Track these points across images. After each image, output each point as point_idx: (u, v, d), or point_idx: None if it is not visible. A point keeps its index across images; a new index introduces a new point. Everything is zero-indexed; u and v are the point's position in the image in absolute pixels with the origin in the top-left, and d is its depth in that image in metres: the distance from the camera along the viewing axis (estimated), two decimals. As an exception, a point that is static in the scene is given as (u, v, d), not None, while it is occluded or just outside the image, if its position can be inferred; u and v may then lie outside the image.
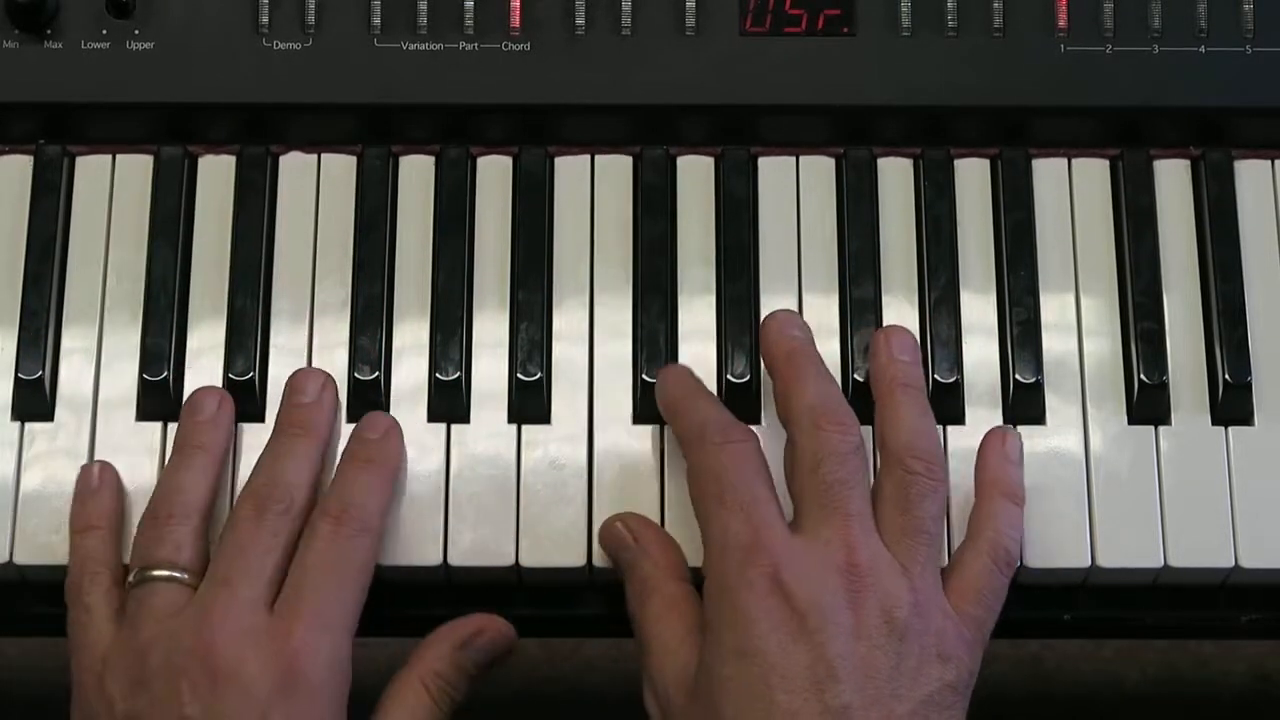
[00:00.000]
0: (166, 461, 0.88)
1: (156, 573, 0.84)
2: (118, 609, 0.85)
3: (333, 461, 0.88)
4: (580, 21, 0.93)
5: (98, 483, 0.88)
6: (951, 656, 0.82)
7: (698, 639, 0.83)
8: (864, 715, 0.79)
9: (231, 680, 0.81)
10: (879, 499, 0.85)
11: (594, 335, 0.92)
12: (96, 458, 0.89)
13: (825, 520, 0.83)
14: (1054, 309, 0.92)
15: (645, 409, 0.90)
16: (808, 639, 0.80)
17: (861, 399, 0.89)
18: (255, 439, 0.89)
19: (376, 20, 0.93)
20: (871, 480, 0.86)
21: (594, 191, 0.94)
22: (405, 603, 0.89)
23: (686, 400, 0.88)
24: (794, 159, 0.94)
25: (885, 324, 0.91)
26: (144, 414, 0.90)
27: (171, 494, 0.86)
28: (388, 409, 0.90)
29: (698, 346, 0.91)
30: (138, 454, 0.89)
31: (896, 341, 0.88)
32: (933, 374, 0.90)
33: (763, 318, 0.90)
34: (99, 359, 0.91)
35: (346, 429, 0.90)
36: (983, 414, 0.90)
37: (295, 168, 0.94)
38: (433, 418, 0.90)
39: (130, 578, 0.84)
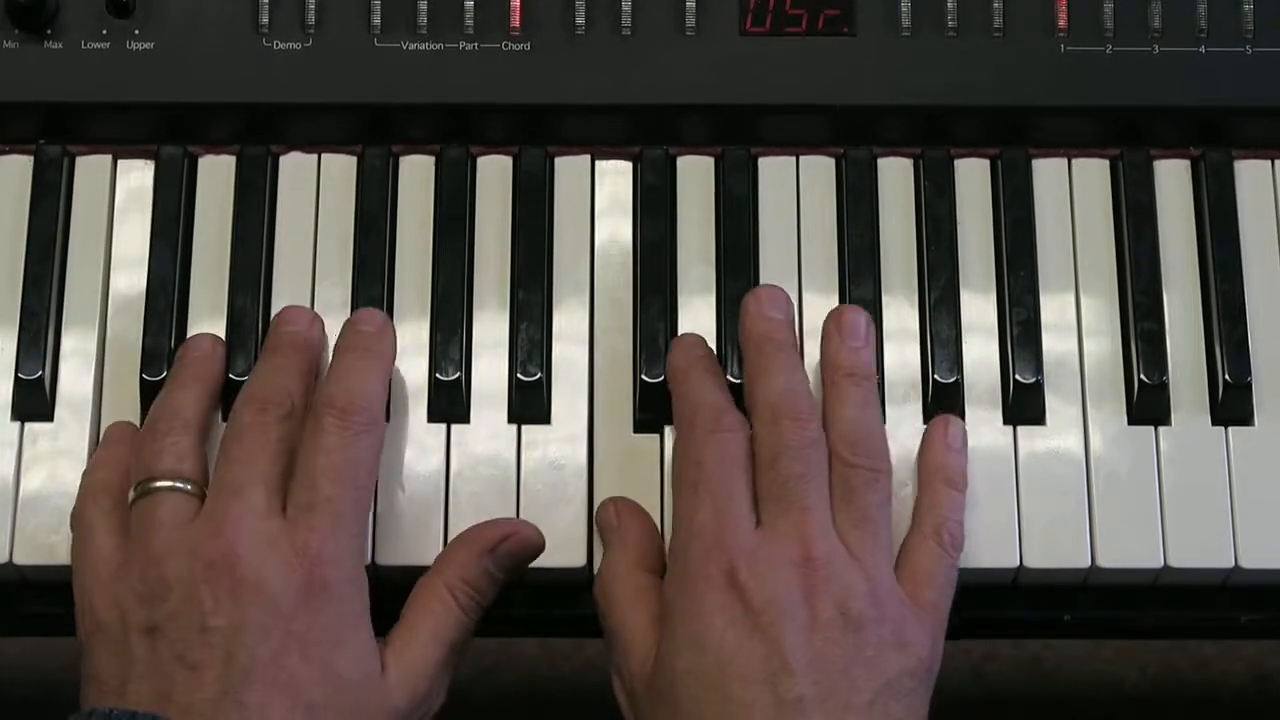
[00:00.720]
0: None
1: (160, 484, 0.83)
2: (120, 526, 0.84)
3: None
4: (580, 21, 0.93)
5: (117, 435, 0.88)
6: (910, 643, 0.82)
7: (659, 627, 0.83)
8: (820, 706, 0.80)
9: (255, 589, 0.80)
10: (831, 491, 0.85)
11: (594, 335, 0.92)
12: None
13: (782, 514, 0.83)
14: (1054, 309, 0.92)
15: (645, 409, 0.90)
16: (762, 633, 0.80)
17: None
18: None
19: (376, 20, 0.93)
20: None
21: (594, 191, 0.94)
22: (405, 602, 0.89)
23: (688, 376, 0.88)
24: (794, 159, 0.94)
25: (885, 324, 0.91)
26: (144, 414, 0.90)
27: (169, 411, 0.86)
28: (388, 409, 0.90)
29: (698, 346, 0.91)
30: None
31: (848, 325, 0.88)
32: (933, 374, 0.90)
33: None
34: (99, 359, 0.91)
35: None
36: (983, 414, 0.90)
37: (295, 168, 0.94)
38: (433, 418, 0.90)
39: (133, 492, 0.84)
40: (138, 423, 0.90)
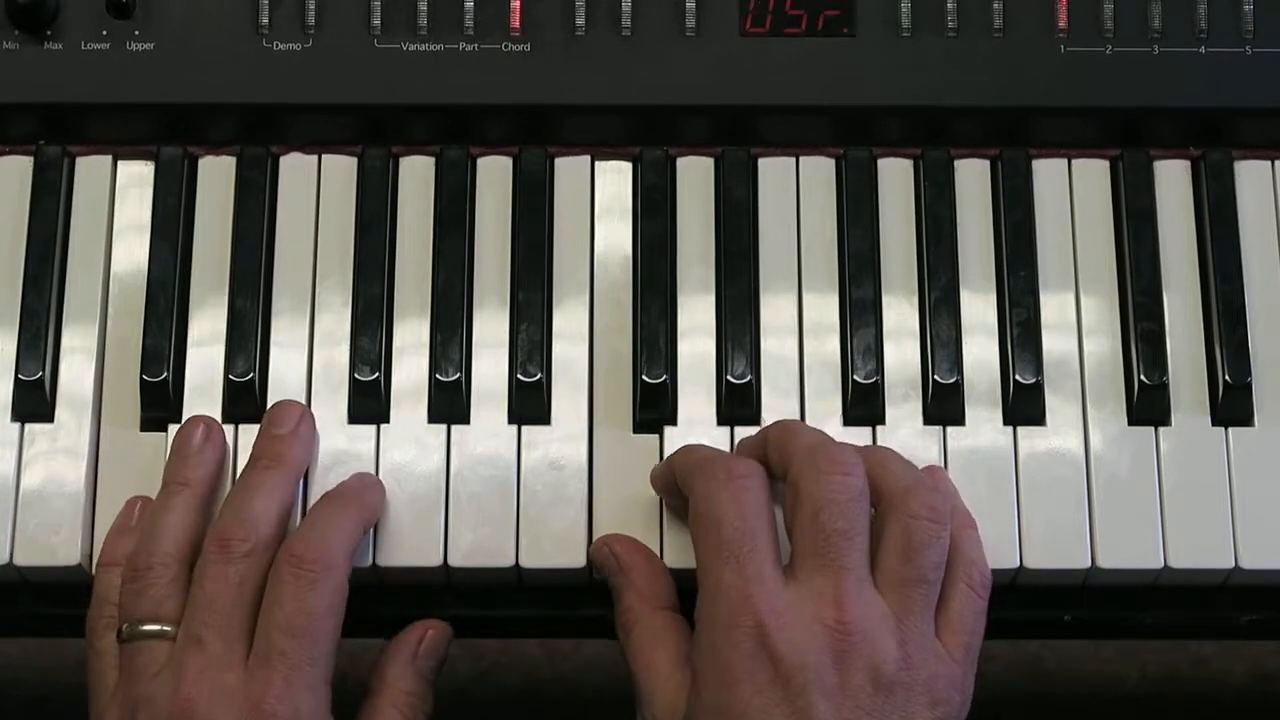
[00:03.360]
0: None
1: (142, 628, 0.84)
2: (118, 656, 0.85)
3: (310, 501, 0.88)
4: (580, 22, 0.93)
5: (135, 522, 0.88)
6: (941, 700, 0.82)
7: (685, 671, 0.83)
8: None
9: None
10: (881, 544, 0.83)
11: (594, 335, 0.92)
12: (99, 459, 0.89)
13: (819, 572, 0.82)
14: (1054, 309, 0.92)
15: (645, 409, 0.90)
16: (791, 701, 0.80)
17: (860, 400, 0.89)
18: (255, 439, 0.89)
19: (376, 20, 0.93)
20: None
21: (594, 191, 0.94)
22: (405, 603, 0.89)
23: (687, 450, 0.87)
24: (794, 159, 0.94)
25: (885, 324, 0.91)
26: (144, 414, 0.90)
27: (153, 541, 0.86)
28: (388, 409, 0.90)
29: (698, 346, 0.91)
30: (138, 455, 0.89)
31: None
32: (933, 374, 0.90)
33: (762, 323, 0.90)
34: (99, 359, 0.91)
35: (348, 429, 0.90)
36: (983, 414, 0.90)
37: (295, 168, 0.94)
38: (433, 418, 0.90)
39: (121, 631, 0.85)
40: (137, 423, 0.90)
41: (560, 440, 0.90)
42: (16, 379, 0.90)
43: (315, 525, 0.85)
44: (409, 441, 0.89)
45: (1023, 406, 0.90)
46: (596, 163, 0.94)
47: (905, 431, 0.90)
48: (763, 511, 0.83)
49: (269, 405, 0.90)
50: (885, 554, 0.83)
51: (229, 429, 0.90)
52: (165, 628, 0.84)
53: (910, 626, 0.82)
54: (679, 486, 0.86)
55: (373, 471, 0.89)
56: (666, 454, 0.89)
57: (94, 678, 0.86)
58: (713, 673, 0.81)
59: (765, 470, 0.85)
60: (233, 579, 0.84)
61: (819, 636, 0.80)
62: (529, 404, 0.90)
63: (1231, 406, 0.90)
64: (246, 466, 0.88)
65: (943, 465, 0.88)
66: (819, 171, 0.94)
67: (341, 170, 0.94)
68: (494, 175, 0.94)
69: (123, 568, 0.86)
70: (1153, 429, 0.90)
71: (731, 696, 0.80)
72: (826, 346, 0.91)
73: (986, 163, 0.94)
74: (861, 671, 0.80)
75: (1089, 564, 0.88)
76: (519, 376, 0.90)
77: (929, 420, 0.90)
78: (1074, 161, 0.94)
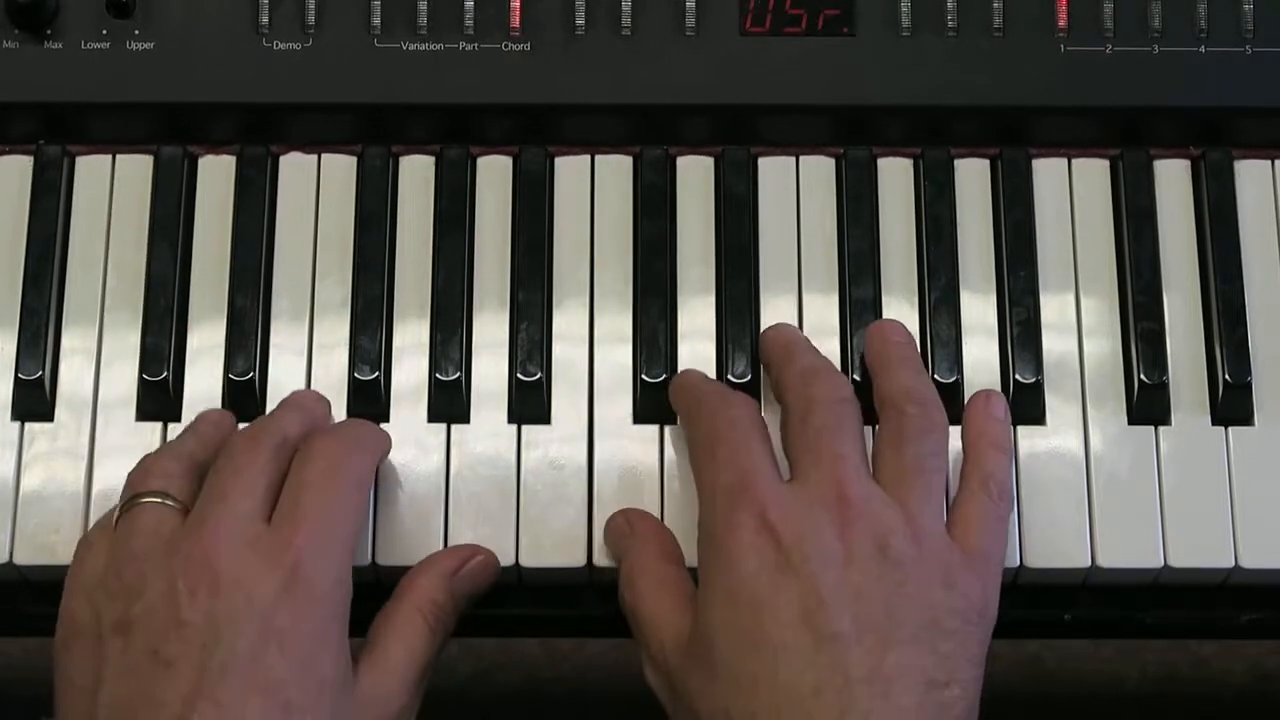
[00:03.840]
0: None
1: (145, 499, 0.82)
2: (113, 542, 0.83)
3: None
4: (580, 21, 0.93)
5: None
6: (956, 583, 0.80)
7: (691, 609, 0.82)
8: (858, 642, 0.78)
9: (234, 585, 0.78)
10: (877, 445, 0.84)
11: (594, 335, 0.92)
12: (97, 458, 0.89)
13: (814, 465, 0.82)
14: (1054, 309, 0.92)
15: (645, 409, 0.90)
16: (795, 572, 0.79)
17: (861, 399, 0.89)
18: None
19: (376, 20, 0.93)
20: (869, 439, 0.85)
21: (594, 191, 0.94)
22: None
23: (684, 380, 0.88)
24: (794, 159, 0.94)
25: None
26: (144, 414, 0.90)
27: (165, 447, 0.86)
28: (388, 409, 0.90)
29: (698, 346, 0.91)
30: (137, 454, 0.89)
31: (889, 327, 0.89)
32: (933, 374, 0.90)
33: (762, 324, 0.90)
34: (99, 359, 0.91)
35: (346, 429, 0.90)
36: (983, 414, 0.90)
37: (295, 168, 0.94)
38: (433, 418, 0.90)
39: (118, 511, 0.82)
40: (136, 422, 0.90)
41: (560, 440, 0.90)
42: (16, 379, 0.90)
43: (343, 423, 0.87)
44: (409, 441, 0.89)
45: (1023, 406, 0.90)
46: (597, 162, 0.94)
47: (905, 431, 0.90)
48: (755, 425, 0.84)
49: (268, 408, 0.89)
50: (880, 452, 0.84)
51: (229, 429, 0.90)
52: (171, 501, 0.82)
53: (915, 511, 0.81)
54: (680, 419, 0.88)
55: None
56: (667, 454, 0.89)
57: (75, 565, 0.82)
58: (716, 560, 0.81)
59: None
60: (261, 456, 0.82)
61: (820, 513, 0.80)
62: (529, 404, 0.90)
63: (1231, 406, 0.90)
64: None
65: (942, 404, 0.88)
66: (819, 171, 0.94)
67: (341, 170, 0.94)
68: (494, 175, 0.94)
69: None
70: (1153, 429, 0.90)
71: (738, 575, 0.80)
72: (827, 346, 0.91)
73: (986, 162, 0.95)
74: (866, 541, 0.80)
75: (1089, 564, 0.88)
76: (519, 376, 0.90)
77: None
78: (1074, 161, 0.94)
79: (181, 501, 0.82)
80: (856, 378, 0.90)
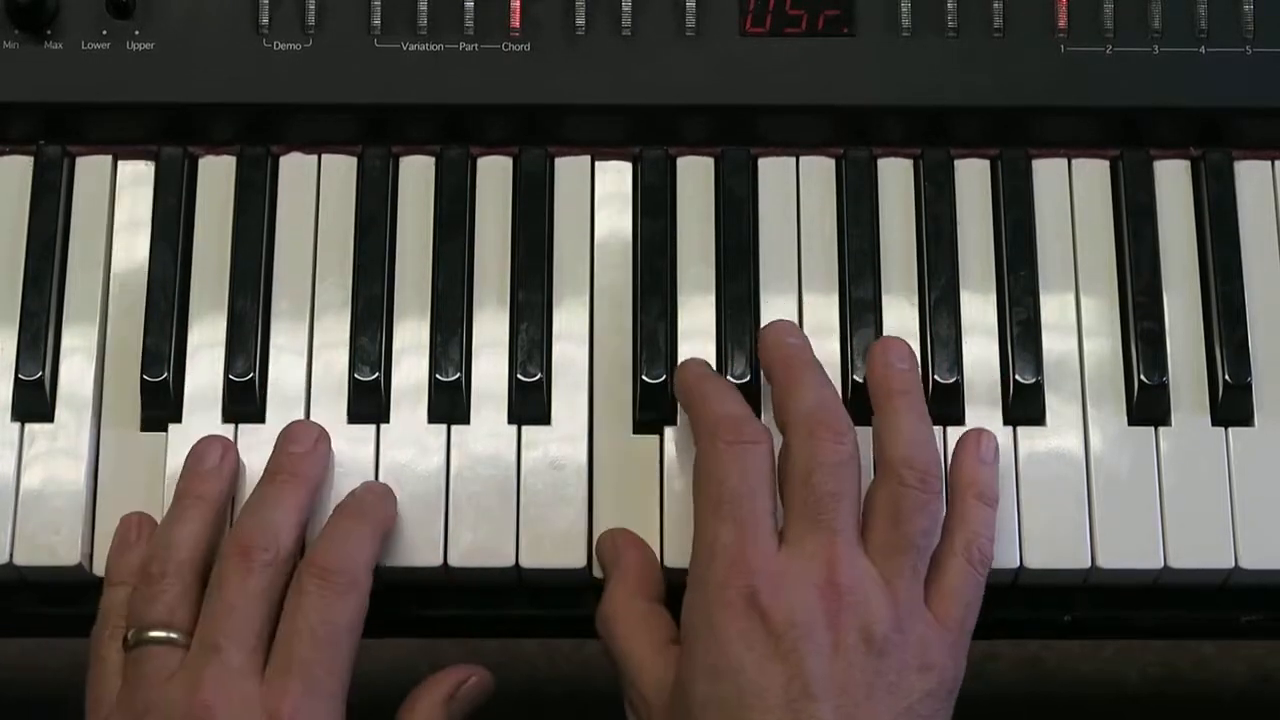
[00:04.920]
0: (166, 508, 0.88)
1: (151, 634, 0.83)
2: (123, 663, 0.84)
3: (323, 519, 0.87)
4: (580, 21, 0.93)
5: (135, 536, 0.87)
6: (934, 665, 0.82)
7: (670, 652, 0.83)
8: None
9: None
10: (871, 509, 0.84)
11: (594, 335, 0.92)
12: (99, 459, 0.89)
13: (811, 534, 0.83)
14: (1054, 309, 0.92)
15: (645, 409, 0.90)
16: (783, 658, 0.80)
17: (860, 400, 0.89)
18: (255, 439, 0.89)
19: (376, 20, 0.93)
20: (864, 489, 0.85)
21: (594, 191, 0.94)
22: (406, 603, 0.89)
23: (702, 390, 0.88)
24: (794, 159, 0.94)
25: (885, 324, 0.91)
26: (144, 413, 0.90)
27: (166, 549, 0.85)
28: (388, 409, 0.90)
29: (698, 346, 0.91)
30: (138, 455, 0.89)
31: (894, 350, 0.88)
32: (933, 374, 0.90)
33: (761, 324, 0.90)
34: (99, 359, 0.91)
35: (348, 430, 0.90)
36: (983, 414, 0.90)
37: (295, 168, 0.94)
38: (433, 418, 0.90)
39: (127, 637, 0.84)
40: (137, 423, 0.90)
41: (560, 440, 0.90)
42: (16, 379, 0.90)
43: (337, 538, 0.85)
44: (409, 441, 0.89)
45: (1023, 406, 0.90)
46: (596, 162, 0.94)
47: (905, 431, 0.90)
48: (765, 475, 0.84)
49: (268, 408, 0.89)
50: (874, 520, 0.84)
51: (229, 429, 0.90)
52: (175, 635, 0.83)
53: (899, 590, 0.82)
54: (680, 404, 0.88)
55: (373, 472, 0.89)
56: (667, 454, 0.89)
57: (94, 688, 0.85)
58: (705, 632, 0.81)
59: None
60: (252, 589, 0.83)
61: (811, 597, 0.81)
62: (529, 404, 0.90)
63: (1231, 406, 0.90)
64: (262, 480, 0.87)
65: (942, 464, 0.88)
66: (819, 171, 0.94)
67: (341, 170, 0.94)
68: (494, 175, 0.94)
69: (130, 583, 0.86)
70: (1153, 429, 0.90)
71: (724, 654, 0.80)
72: (826, 346, 0.91)
73: (986, 163, 0.94)
74: (854, 631, 0.81)
75: (1089, 564, 0.88)
76: (519, 376, 0.90)
77: (933, 420, 0.90)
78: (1074, 161, 0.94)
79: (184, 632, 0.83)
80: (858, 379, 0.90)
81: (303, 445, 0.88)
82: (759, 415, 0.89)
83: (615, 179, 0.94)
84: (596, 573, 0.88)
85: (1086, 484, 0.89)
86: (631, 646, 0.85)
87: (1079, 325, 0.92)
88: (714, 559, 0.82)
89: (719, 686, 0.80)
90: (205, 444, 0.88)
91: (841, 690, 0.80)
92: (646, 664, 0.84)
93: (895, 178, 0.94)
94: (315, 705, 0.82)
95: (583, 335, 0.92)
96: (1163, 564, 0.88)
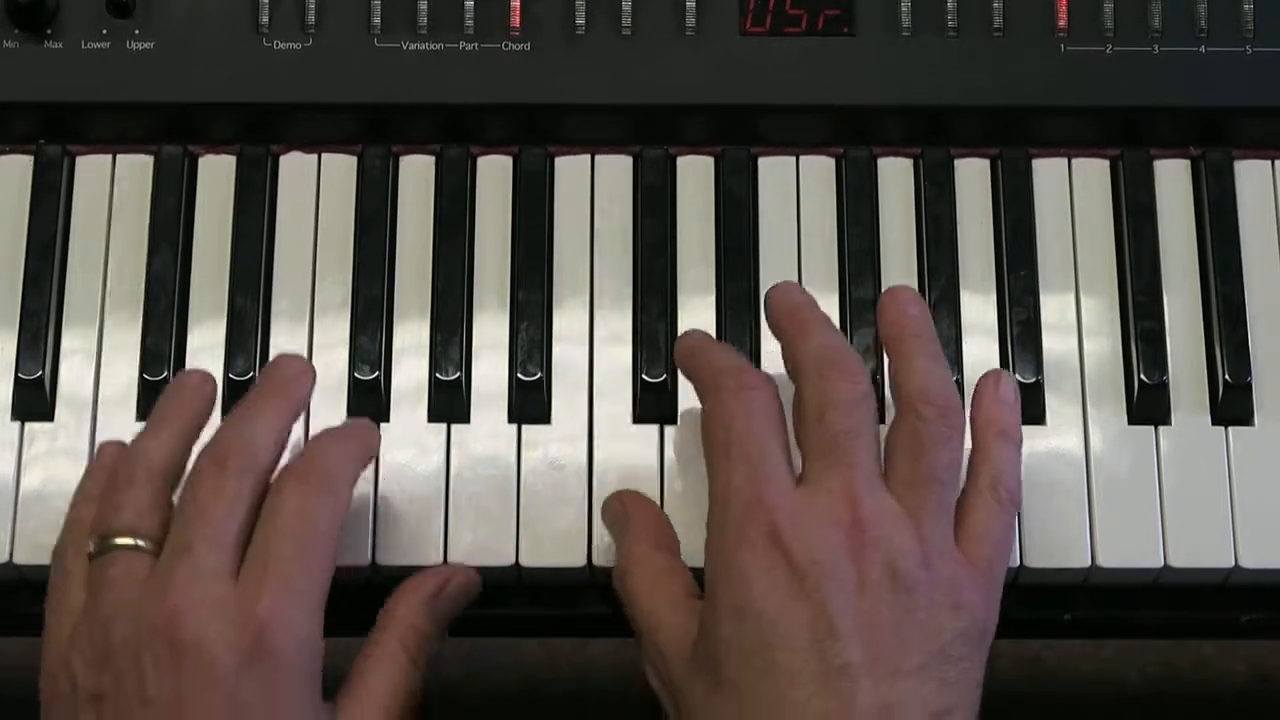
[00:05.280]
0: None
1: (117, 541, 0.80)
2: (87, 574, 0.81)
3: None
4: (580, 21, 0.93)
5: (110, 460, 0.85)
6: (964, 604, 0.80)
7: (691, 605, 0.82)
8: (869, 672, 0.77)
9: (196, 655, 0.77)
10: (891, 447, 0.83)
11: (594, 335, 0.92)
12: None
13: (829, 471, 0.81)
14: (1054, 309, 0.92)
15: (645, 409, 0.90)
16: (807, 597, 0.78)
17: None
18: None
19: (376, 20, 0.93)
20: (884, 429, 0.84)
21: (594, 191, 0.94)
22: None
23: (700, 348, 0.87)
24: (794, 159, 0.94)
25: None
26: (144, 414, 0.90)
27: (135, 455, 0.83)
28: (388, 409, 0.90)
29: (698, 346, 0.91)
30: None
31: (904, 296, 0.87)
32: (933, 373, 0.90)
33: (762, 326, 0.90)
34: (99, 359, 0.91)
35: (346, 429, 0.90)
36: (983, 414, 0.90)
37: (295, 168, 0.94)
38: (433, 418, 0.90)
39: (91, 547, 0.81)
40: (137, 422, 0.90)
41: (560, 440, 0.90)
42: (16, 379, 0.90)
43: (319, 449, 0.83)
44: (409, 441, 0.90)
45: (1023, 406, 0.90)
46: (596, 162, 0.94)
47: (905, 431, 0.90)
48: (773, 417, 0.82)
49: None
50: (895, 455, 0.82)
51: (229, 428, 0.90)
52: (143, 543, 0.80)
53: (926, 525, 0.80)
54: (680, 369, 0.87)
55: (373, 472, 0.89)
56: (667, 454, 0.89)
57: (56, 603, 0.81)
58: (726, 574, 0.79)
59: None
60: (229, 492, 0.80)
61: (833, 533, 0.79)
62: (529, 403, 0.90)
63: (1231, 406, 0.90)
64: (246, 396, 0.85)
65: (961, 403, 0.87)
66: (819, 171, 0.94)
67: (341, 169, 0.94)
68: (494, 175, 0.94)
69: (97, 501, 0.83)
70: (1153, 429, 0.90)
71: (748, 594, 0.78)
72: (826, 346, 0.91)
73: (986, 162, 0.95)
74: (879, 566, 0.79)
75: (1089, 564, 0.88)
76: (519, 376, 0.90)
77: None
78: (1074, 161, 0.94)
79: (152, 540, 0.81)
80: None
81: (290, 370, 0.85)
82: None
83: (615, 179, 0.94)
84: (598, 565, 0.88)
85: (1086, 484, 0.89)
86: (650, 599, 0.83)
87: (1079, 325, 0.92)
88: (730, 502, 0.81)
89: (743, 627, 0.78)
90: (185, 373, 0.86)
91: (867, 629, 0.78)
92: (665, 616, 0.82)
93: (895, 177, 0.94)
94: (292, 607, 0.78)
95: (583, 335, 0.92)
96: (1163, 564, 0.88)
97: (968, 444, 0.85)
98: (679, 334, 0.90)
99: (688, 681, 0.80)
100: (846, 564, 0.79)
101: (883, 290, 0.90)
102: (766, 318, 0.88)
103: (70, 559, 0.82)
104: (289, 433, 0.84)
